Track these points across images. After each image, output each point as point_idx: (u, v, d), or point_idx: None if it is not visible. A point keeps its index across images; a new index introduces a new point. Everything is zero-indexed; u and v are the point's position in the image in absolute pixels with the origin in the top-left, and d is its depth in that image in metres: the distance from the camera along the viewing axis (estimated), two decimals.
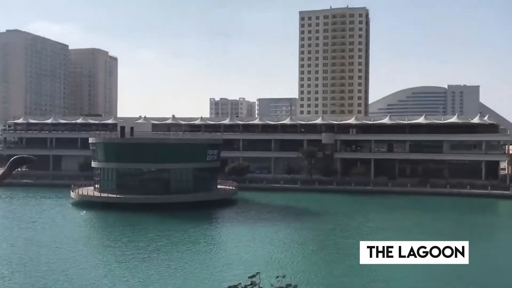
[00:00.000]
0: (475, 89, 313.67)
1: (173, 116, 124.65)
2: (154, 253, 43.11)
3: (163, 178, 74.64)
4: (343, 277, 35.15)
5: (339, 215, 65.27)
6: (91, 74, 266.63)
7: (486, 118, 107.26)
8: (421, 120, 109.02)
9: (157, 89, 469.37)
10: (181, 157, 73.60)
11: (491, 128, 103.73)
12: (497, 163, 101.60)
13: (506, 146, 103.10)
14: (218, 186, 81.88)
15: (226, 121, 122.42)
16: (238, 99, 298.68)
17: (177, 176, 73.95)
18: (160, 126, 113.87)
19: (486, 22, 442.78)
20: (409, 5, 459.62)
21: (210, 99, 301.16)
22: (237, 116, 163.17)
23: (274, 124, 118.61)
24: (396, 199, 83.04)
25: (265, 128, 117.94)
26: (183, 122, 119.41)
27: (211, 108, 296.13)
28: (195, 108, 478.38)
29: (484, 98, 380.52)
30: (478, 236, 51.63)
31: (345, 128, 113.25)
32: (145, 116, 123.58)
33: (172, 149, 75.05)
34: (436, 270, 37.20)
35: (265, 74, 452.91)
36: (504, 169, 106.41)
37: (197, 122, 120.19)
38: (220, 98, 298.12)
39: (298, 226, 57.06)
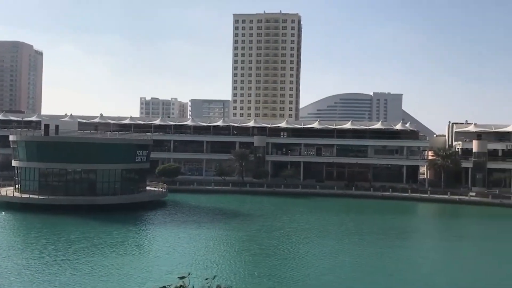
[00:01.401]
0: (398, 97, 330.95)
1: (101, 115, 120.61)
2: (73, 255, 41.24)
3: (88, 179, 71.81)
4: (265, 277, 35.59)
5: (266, 216, 66.04)
6: (13, 68, 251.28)
7: (407, 125, 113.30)
8: (348, 125, 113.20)
9: (85, 87, 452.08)
10: (108, 158, 71.25)
11: (412, 134, 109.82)
12: (417, 167, 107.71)
13: (425, 151, 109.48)
14: (147, 188, 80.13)
15: (157, 121, 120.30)
16: (170, 99, 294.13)
17: (103, 177, 71.40)
18: (87, 125, 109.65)
19: (407, 34, 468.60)
20: (340, 14, 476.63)
21: (141, 98, 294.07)
22: (168, 117, 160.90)
23: (207, 126, 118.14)
24: (323, 201, 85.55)
25: (197, 129, 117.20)
26: (112, 121, 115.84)
27: (141, 108, 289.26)
28: (124, 107, 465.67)
29: (406, 106, 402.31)
30: (394, 236, 54.49)
31: (277, 131, 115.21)
32: (71, 114, 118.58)
33: (99, 149, 72.42)
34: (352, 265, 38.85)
35: (198, 75, 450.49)
36: (423, 173, 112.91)
37: (127, 121, 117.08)
38: (151, 98, 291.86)
39: (225, 228, 57.09)
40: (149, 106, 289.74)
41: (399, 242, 51.78)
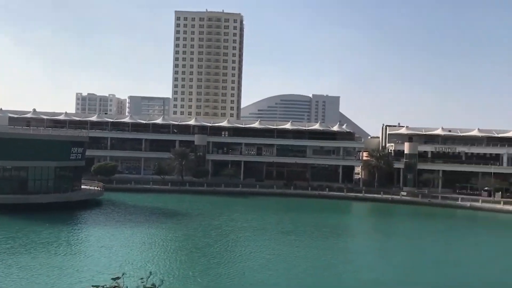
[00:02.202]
0: (336, 100, 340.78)
1: (34, 110, 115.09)
2: None
3: (19, 176, 68.38)
4: (200, 276, 35.54)
5: (204, 215, 65.87)
6: None
7: (344, 126, 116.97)
8: (287, 126, 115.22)
9: (17, 81, 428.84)
10: (41, 155, 68.16)
11: (348, 136, 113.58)
12: (352, 168, 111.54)
13: (360, 152, 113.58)
14: (83, 187, 77.49)
15: (94, 118, 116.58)
16: (107, 95, 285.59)
17: (36, 175, 68.24)
18: (18, 120, 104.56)
19: (346, 36, 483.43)
20: (281, 16, 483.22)
21: (77, 94, 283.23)
22: (105, 113, 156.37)
23: (146, 123, 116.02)
24: (263, 200, 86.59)
25: (136, 127, 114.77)
26: (45, 117, 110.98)
27: (77, 104, 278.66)
28: (60, 103, 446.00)
29: (344, 108, 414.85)
30: (328, 234, 56.19)
31: (218, 130, 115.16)
32: (1, 109, 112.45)
33: (31, 145, 69.00)
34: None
35: (137, 71, 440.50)
36: (358, 173, 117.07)
37: (61, 117, 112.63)
38: (88, 94, 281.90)
39: (161, 227, 56.24)
40: (85, 102, 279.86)
41: (332, 240, 53.50)
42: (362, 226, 68.40)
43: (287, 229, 57.62)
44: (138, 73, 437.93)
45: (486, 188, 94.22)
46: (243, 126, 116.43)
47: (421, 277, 38.12)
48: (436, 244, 53.97)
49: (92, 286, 8.30)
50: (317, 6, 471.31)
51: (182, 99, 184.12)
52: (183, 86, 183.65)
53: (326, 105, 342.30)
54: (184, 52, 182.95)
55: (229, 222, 61.53)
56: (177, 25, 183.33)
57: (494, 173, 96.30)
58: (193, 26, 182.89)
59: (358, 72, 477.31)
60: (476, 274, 39.95)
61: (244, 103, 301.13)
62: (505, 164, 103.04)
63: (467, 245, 54.49)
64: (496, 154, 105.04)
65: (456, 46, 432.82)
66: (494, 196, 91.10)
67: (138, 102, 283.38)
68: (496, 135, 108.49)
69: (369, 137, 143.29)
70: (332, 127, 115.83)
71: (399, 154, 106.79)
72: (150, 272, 9.41)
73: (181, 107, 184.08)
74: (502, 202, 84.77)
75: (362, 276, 37.77)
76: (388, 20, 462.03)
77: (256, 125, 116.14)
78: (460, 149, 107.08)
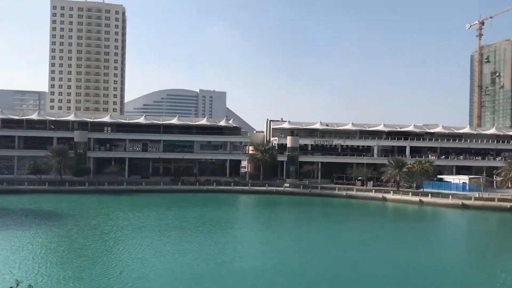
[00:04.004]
0: (223, 95, 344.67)
1: None
2: None
3: None
4: (73, 279, 33.87)
5: (83, 215, 62.64)
6: None
7: (231, 121, 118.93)
8: (174, 121, 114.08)
9: None
10: None
11: (235, 130, 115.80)
12: (239, 162, 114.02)
13: (247, 146, 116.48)
14: None
15: None
16: None
17: None
18: None
19: (232, 33, 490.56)
20: (169, 11, 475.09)
21: None
22: None
23: (19, 119, 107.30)
24: (148, 197, 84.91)
25: (7, 123, 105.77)
26: None
27: None
28: None
29: (230, 103, 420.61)
30: (212, 227, 56.95)
31: (100, 126, 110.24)
32: None
33: None
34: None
35: (7, 62, 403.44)
36: (244, 167, 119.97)
37: None
38: None
39: (34, 229, 51.94)
40: None
41: (217, 232, 54.08)
42: (247, 218, 70.25)
43: (171, 225, 57.16)
44: (8, 64, 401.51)
45: (359, 178, 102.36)
46: (127, 121, 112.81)
47: (296, 262, 40.34)
48: (312, 231, 57.22)
49: None
50: (205, 3, 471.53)
51: (60, 93, 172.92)
52: (60, 79, 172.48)
53: (213, 100, 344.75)
54: (61, 43, 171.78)
55: (108, 221, 59.09)
56: (54, 14, 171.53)
57: (366, 163, 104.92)
58: (71, 16, 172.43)
59: (244, 68, 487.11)
60: (344, 258, 43.27)
61: (129, 97, 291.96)
62: (375, 155, 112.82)
63: (341, 230, 58.71)
64: (368, 146, 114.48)
65: (327, 48, 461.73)
66: (367, 185, 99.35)
67: (9, 96, 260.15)
68: (367, 128, 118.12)
69: (255, 132, 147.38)
70: (219, 122, 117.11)
71: (282, 147, 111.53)
72: (17, 280, 8.90)
73: (59, 102, 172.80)
74: (373, 190, 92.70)
75: (242, 265, 38.92)
76: (272, 21, 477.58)
77: (141, 120, 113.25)
78: (337, 142, 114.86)
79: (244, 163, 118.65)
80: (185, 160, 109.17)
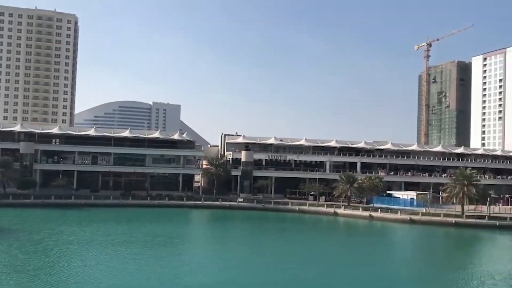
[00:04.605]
0: (177, 108, 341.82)
1: None
2: None
3: None
4: None
5: (25, 230, 59.52)
6: None
7: (184, 135, 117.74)
8: (126, 133, 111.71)
9: None
10: None
11: (189, 144, 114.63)
12: (192, 176, 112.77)
13: (200, 161, 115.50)
14: None
15: None
16: None
17: None
18: None
19: (187, 44, 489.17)
20: (121, 22, 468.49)
21: None
22: None
23: None
24: (97, 212, 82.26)
25: None
26: None
27: None
28: None
29: (184, 117, 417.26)
30: (162, 243, 55.87)
31: (47, 137, 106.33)
32: None
33: None
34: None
35: None
36: (198, 181, 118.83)
37: None
38: None
39: None
40: None
41: (165, 247, 53.06)
42: (198, 233, 69.25)
43: (119, 240, 55.53)
44: None
45: (312, 193, 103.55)
46: (76, 133, 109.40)
47: (246, 279, 39.97)
48: (264, 246, 57.11)
49: None
50: (160, 13, 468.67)
51: (6, 103, 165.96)
52: (7, 88, 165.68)
53: (167, 113, 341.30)
54: (8, 51, 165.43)
55: (53, 236, 56.58)
56: (1, 21, 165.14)
57: (319, 179, 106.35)
58: (20, 23, 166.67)
59: (199, 82, 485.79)
60: (294, 273, 43.36)
61: (79, 109, 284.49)
62: (328, 170, 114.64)
63: (292, 246, 58.83)
64: (320, 161, 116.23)
65: (282, 63, 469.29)
66: (319, 200, 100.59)
67: None
68: (320, 144, 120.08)
69: (209, 146, 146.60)
70: (173, 135, 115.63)
71: (237, 162, 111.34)
72: None
73: (4, 112, 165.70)
74: (325, 205, 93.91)
75: (190, 280, 38.25)
76: (228, 35, 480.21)
77: (91, 132, 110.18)
78: (290, 157, 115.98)
79: (197, 178, 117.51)
80: (136, 174, 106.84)
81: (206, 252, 52.95)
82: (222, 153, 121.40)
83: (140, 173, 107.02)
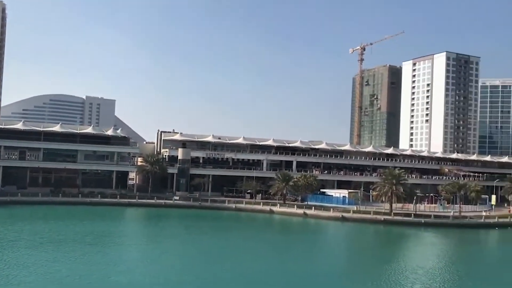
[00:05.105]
0: (112, 103, 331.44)
1: None
2: None
3: None
4: None
5: None
6: None
7: (119, 131, 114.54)
8: (57, 128, 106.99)
9: None
10: None
11: (123, 140, 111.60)
12: (126, 173, 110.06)
13: (135, 158, 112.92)
14: None
15: None
16: None
17: None
18: None
19: (118, 41, 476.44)
20: (52, 10, 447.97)
21: None
22: None
23: None
24: (24, 209, 78.41)
25: None
26: None
27: None
28: None
29: (119, 112, 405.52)
30: (91, 241, 54.21)
31: None
32: None
33: None
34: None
35: None
36: (132, 179, 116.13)
37: None
38: None
39: None
40: None
41: (97, 247, 51.46)
42: (131, 232, 67.59)
43: (47, 239, 53.27)
44: None
45: (249, 191, 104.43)
46: (2, 126, 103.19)
47: (177, 277, 39.66)
48: (198, 245, 56.83)
49: None
50: (96, 5, 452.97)
51: None
52: None
53: (101, 107, 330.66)
54: None
55: None
56: None
57: (256, 177, 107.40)
58: None
59: (136, 77, 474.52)
60: (227, 271, 43.66)
61: (6, 101, 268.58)
62: (265, 169, 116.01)
63: (227, 244, 59.11)
64: (258, 160, 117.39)
65: (222, 62, 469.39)
66: (255, 198, 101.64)
67: None
68: (258, 143, 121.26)
69: (145, 142, 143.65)
70: (107, 131, 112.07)
71: (173, 159, 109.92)
72: None
73: None
74: (261, 203, 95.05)
75: (119, 280, 37.45)
76: (166, 31, 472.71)
77: (19, 126, 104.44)
78: (228, 155, 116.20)
79: (132, 175, 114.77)
80: (67, 170, 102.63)
81: (138, 251, 51.88)
82: (158, 150, 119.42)
83: (72, 169, 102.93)
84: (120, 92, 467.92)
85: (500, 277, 47.31)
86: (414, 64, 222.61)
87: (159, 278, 38.63)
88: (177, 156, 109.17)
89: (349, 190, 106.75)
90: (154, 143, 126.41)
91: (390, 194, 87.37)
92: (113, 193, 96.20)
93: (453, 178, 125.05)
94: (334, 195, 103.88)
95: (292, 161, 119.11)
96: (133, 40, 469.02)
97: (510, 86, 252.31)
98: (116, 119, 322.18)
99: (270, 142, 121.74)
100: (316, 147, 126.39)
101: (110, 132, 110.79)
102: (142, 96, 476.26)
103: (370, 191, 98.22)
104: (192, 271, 42.32)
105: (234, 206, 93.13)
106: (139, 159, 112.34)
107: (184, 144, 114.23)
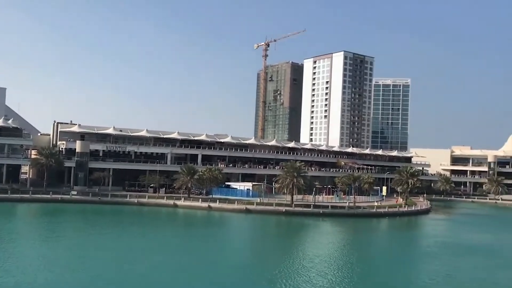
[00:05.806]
0: (2, 91, 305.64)
1: None
2: None
3: None
4: None
5: None
6: None
7: (10, 121, 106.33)
8: None
9: None
10: None
11: (15, 132, 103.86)
12: (19, 167, 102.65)
13: (29, 150, 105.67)
14: None
15: None
16: None
17: None
18: None
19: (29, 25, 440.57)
20: None
21: None
22: None
23: None
24: None
25: None
26: None
27: None
28: None
29: (11, 101, 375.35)
30: None
31: None
32: None
33: None
34: None
35: None
36: (25, 173, 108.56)
37: None
38: None
39: None
40: None
41: None
42: (22, 229, 62.80)
43: None
44: None
45: (152, 185, 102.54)
46: None
47: (68, 277, 38.01)
48: (95, 241, 54.84)
49: None
50: None
51: None
52: None
53: None
54: None
55: None
56: None
57: (159, 171, 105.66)
58: None
59: (33, 64, 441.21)
60: (127, 268, 42.85)
61: None
62: (169, 162, 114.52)
63: (127, 239, 57.74)
64: (162, 153, 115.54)
65: (130, 54, 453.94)
66: (159, 192, 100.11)
67: None
68: (162, 136, 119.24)
69: (39, 134, 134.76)
70: None
71: (71, 152, 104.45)
72: None
73: None
74: (165, 197, 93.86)
75: (5, 282, 35.25)
76: (75, 17, 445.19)
77: None
78: (130, 148, 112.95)
79: (25, 169, 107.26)
80: None
81: (28, 249, 48.38)
82: (54, 142, 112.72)
83: None
84: (12, 80, 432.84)
85: (388, 260, 51.59)
86: (315, 62, 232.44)
87: (49, 279, 36.72)
88: (75, 149, 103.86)
89: (253, 183, 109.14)
90: (49, 135, 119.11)
91: (291, 186, 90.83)
92: (3, 187, 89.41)
93: (349, 170, 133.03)
94: (238, 188, 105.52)
95: (197, 155, 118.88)
96: (30, 22, 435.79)
97: (400, 85, 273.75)
98: (7, 109, 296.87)
99: (174, 135, 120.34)
100: (222, 140, 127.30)
101: (0, 123, 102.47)
102: (39, 86, 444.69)
103: (273, 183, 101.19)
104: (85, 269, 40.61)
105: (136, 201, 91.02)
106: (33, 152, 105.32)
107: (82, 136, 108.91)
